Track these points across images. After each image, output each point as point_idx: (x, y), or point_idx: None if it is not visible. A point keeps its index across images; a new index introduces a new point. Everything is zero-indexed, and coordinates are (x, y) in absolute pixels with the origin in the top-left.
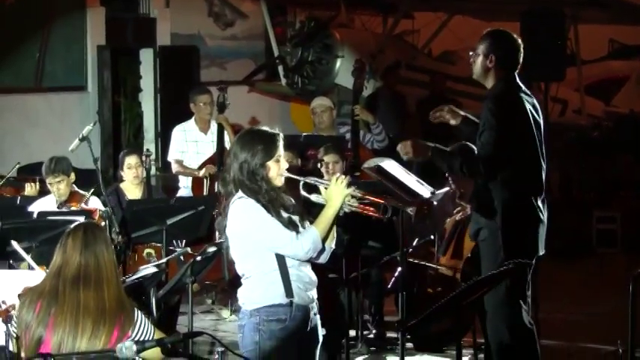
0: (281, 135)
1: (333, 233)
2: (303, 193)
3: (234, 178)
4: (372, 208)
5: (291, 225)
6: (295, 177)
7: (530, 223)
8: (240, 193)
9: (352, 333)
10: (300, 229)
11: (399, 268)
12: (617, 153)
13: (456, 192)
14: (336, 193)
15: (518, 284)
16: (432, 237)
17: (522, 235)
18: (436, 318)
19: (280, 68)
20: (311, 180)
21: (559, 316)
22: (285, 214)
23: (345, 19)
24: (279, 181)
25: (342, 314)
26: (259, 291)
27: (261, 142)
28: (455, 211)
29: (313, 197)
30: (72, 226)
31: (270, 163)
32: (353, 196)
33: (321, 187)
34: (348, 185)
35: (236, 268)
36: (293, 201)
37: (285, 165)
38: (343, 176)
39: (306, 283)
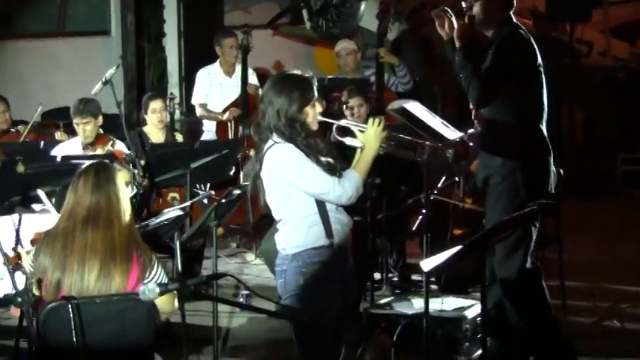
0: (315, 78)
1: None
2: (336, 136)
3: (269, 124)
4: (408, 151)
5: (331, 170)
6: (329, 120)
7: (547, 157)
8: (276, 138)
9: (377, 276)
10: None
11: (424, 210)
12: None
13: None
14: (374, 135)
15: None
16: (457, 179)
17: (542, 171)
18: (461, 260)
19: (304, 12)
20: (345, 123)
21: (583, 258)
22: (323, 159)
23: None
24: (314, 125)
25: (367, 257)
26: (300, 234)
27: (298, 88)
28: None
29: (347, 140)
30: (83, 166)
31: (307, 109)
32: (389, 138)
33: (356, 130)
34: (385, 127)
35: (273, 214)
36: (324, 144)
37: (319, 109)
38: (380, 118)
39: (344, 225)
